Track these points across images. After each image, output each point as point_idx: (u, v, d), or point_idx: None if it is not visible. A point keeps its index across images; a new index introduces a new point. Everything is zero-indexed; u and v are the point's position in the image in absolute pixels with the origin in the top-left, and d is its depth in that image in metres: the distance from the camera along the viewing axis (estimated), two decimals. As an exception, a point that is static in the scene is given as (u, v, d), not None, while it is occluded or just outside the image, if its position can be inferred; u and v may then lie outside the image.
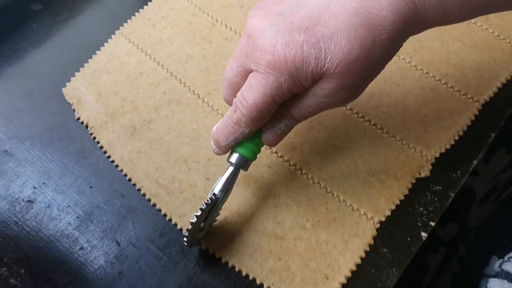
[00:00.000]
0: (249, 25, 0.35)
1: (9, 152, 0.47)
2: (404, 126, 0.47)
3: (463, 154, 0.45)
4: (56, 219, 0.44)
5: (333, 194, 0.44)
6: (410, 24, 0.33)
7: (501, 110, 0.47)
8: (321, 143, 0.47)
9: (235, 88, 0.36)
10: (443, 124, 0.47)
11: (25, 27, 0.57)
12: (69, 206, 0.44)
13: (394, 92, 0.49)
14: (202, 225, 0.39)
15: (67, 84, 0.52)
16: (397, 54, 0.47)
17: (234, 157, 0.38)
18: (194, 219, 0.37)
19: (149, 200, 0.45)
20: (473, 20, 0.54)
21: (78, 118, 0.50)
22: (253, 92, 0.33)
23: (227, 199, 0.40)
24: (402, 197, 0.44)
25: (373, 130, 0.47)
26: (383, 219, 0.43)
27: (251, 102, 0.34)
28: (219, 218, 0.42)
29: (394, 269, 0.40)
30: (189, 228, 0.37)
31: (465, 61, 0.51)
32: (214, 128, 0.38)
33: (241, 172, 0.40)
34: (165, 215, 0.44)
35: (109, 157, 0.47)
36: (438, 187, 0.44)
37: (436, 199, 0.43)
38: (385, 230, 0.42)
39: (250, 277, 0.41)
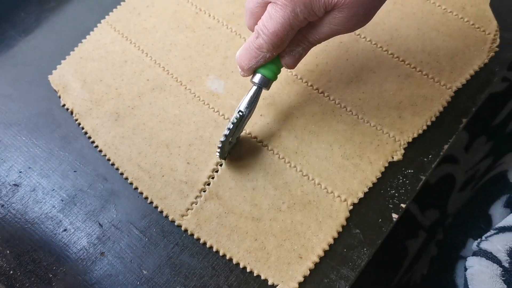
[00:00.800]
0: None
1: (-4, 138, 0.49)
2: (379, 111, 0.49)
3: (435, 139, 0.47)
4: (41, 202, 0.45)
5: (308, 177, 0.46)
6: None
7: (473, 97, 0.49)
8: (298, 128, 0.48)
9: (256, 17, 0.40)
10: (417, 110, 0.48)
11: (13, 16, 0.58)
12: (53, 189, 0.46)
13: (370, 79, 0.51)
14: (230, 139, 0.43)
15: (53, 71, 0.54)
16: (374, 42, 0.49)
17: (257, 78, 0.43)
18: (226, 132, 0.42)
19: (131, 183, 0.46)
20: (449, 9, 0.55)
21: (64, 105, 0.51)
22: (273, 21, 0.37)
23: (251, 116, 0.45)
24: (375, 180, 0.45)
25: (349, 116, 0.49)
26: (356, 201, 0.44)
27: (272, 30, 0.37)
28: (200, 200, 0.44)
29: (365, 249, 0.42)
30: (221, 142, 0.42)
31: (440, 49, 0.52)
32: (237, 53, 0.42)
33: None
34: (146, 198, 0.45)
35: (93, 142, 0.49)
36: (410, 171, 0.45)
37: (407, 182, 0.45)
38: (357, 212, 0.44)
39: (227, 257, 0.42)
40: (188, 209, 0.44)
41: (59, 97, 0.52)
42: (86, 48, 0.55)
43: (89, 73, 0.53)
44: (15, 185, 0.46)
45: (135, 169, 0.47)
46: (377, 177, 0.45)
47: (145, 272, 0.42)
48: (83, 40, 0.56)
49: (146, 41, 0.55)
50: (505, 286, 0.40)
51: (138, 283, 0.41)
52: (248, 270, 0.42)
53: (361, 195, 0.44)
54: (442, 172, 0.72)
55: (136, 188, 0.46)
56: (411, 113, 0.48)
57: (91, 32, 0.56)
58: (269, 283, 0.41)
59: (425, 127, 0.48)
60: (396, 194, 0.44)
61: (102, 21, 0.57)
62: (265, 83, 0.43)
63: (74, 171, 0.47)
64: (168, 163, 0.47)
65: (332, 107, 0.49)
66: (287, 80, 0.51)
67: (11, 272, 0.42)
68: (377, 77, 0.51)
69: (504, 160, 0.61)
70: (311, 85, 0.51)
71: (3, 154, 0.47)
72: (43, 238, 0.43)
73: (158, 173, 0.46)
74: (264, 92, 0.46)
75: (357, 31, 0.54)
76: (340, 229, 0.43)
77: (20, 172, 0.47)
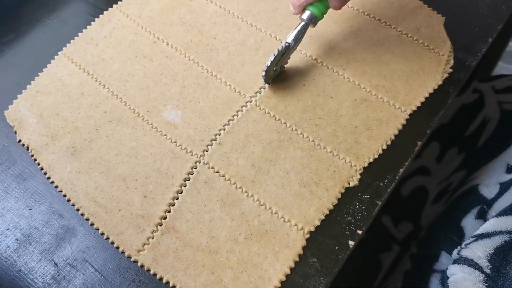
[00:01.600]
0: None
1: (-50, 177, 0.48)
2: (335, 137, 0.49)
3: (391, 162, 0.47)
4: (-6, 243, 0.44)
5: (266, 206, 0.45)
6: None
7: (427, 119, 0.49)
8: (255, 156, 0.48)
9: None
10: (372, 134, 0.49)
11: (-29, 50, 0.57)
12: (8, 229, 0.45)
13: (327, 104, 0.51)
14: (275, 67, 0.50)
15: (10, 106, 0.53)
16: (330, 66, 0.50)
17: (306, 14, 0.48)
18: (272, 58, 0.48)
19: (87, 219, 0.46)
20: (404, 31, 0.56)
21: (19, 140, 0.51)
22: None
23: (295, 49, 0.51)
24: (332, 207, 0.45)
25: (306, 142, 0.49)
26: (312, 229, 0.44)
27: None
28: (160, 229, 0.44)
29: (322, 278, 0.42)
30: (266, 67, 0.48)
31: (395, 71, 0.53)
32: None
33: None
34: (102, 233, 0.45)
35: (49, 178, 0.48)
36: (366, 196, 0.45)
37: (363, 207, 0.45)
38: (314, 240, 0.44)
39: (184, 292, 0.42)
40: (145, 244, 0.44)
41: (15, 132, 0.51)
42: (42, 81, 0.55)
43: (45, 107, 0.52)
44: (-32, 226, 0.45)
45: (91, 204, 0.46)
46: (334, 203, 0.45)
47: (100, 311, 0.41)
48: (40, 73, 0.55)
49: (103, 72, 0.55)
50: None
51: (93, 323, 0.41)
52: (205, 304, 0.42)
53: (317, 222, 0.44)
54: (414, 184, 0.72)
55: (92, 224, 0.45)
56: (367, 138, 0.49)
57: (48, 65, 0.56)
58: (226, 317, 0.41)
59: (380, 151, 0.48)
60: (353, 221, 0.44)
61: (59, 53, 0.57)
62: (312, 20, 0.48)
63: (30, 209, 0.46)
64: (125, 197, 0.46)
65: (289, 134, 0.49)
66: (245, 107, 0.51)
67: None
68: (334, 102, 0.51)
69: (476, 175, 0.62)
70: (268, 112, 0.51)
71: (-45, 195, 0.47)
72: (-4, 280, 0.42)
73: (114, 208, 0.46)
74: (223, 119, 0.49)
75: (314, 55, 0.54)
76: (297, 259, 0.43)
77: (-26, 212, 0.46)
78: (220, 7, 0.59)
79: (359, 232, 0.44)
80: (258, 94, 0.52)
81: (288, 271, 0.42)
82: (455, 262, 0.46)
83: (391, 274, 0.65)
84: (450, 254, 0.57)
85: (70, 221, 0.46)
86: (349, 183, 0.46)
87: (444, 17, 0.56)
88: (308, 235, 0.44)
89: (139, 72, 0.55)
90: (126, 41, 0.57)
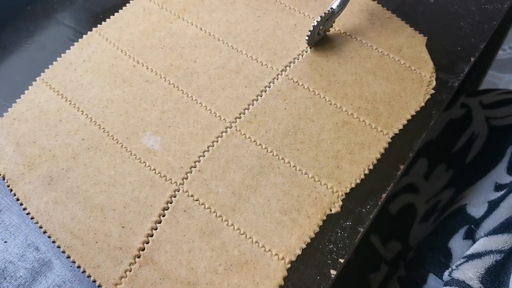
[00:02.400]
0: None
1: None
2: (316, 162, 0.48)
3: (373, 187, 0.46)
4: (-33, 278, 0.43)
5: (246, 235, 0.45)
6: None
7: (410, 142, 0.49)
8: (236, 183, 0.47)
9: None
10: (354, 158, 0.48)
11: None
12: (-19, 263, 0.44)
13: (308, 128, 0.50)
14: (318, 31, 0.53)
15: (-15, 135, 0.52)
16: (312, 89, 0.49)
17: None
18: (315, 22, 0.51)
19: (63, 252, 0.45)
20: (386, 52, 0.55)
21: (-5, 170, 0.50)
22: None
23: (341, 13, 0.53)
24: (313, 235, 0.44)
25: (287, 168, 0.48)
26: (293, 259, 0.43)
27: None
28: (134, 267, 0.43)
29: (303, 310, 0.41)
30: (310, 30, 0.52)
31: (377, 93, 0.52)
32: None
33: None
34: (79, 267, 0.44)
35: (25, 209, 0.47)
36: (348, 223, 0.45)
37: (345, 235, 0.44)
38: (295, 270, 0.43)
39: (162, 327, 0.41)
40: (122, 277, 0.43)
41: (-9, 162, 0.50)
42: (19, 108, 0.54)
43: (22, 135, 0.51)
44: None
45: (67, 236, 0.45)
46: (315, 231, 0.44)
47: None
48: (17, 100, 0.54)
49: (82, 98, 0.54)
50: None
51: None
52: None
53: (298, 252, 0.43)
54: (403, 201, 0.71)
55: (68, 257, 0.44)
56: (348, 162, 0.48)
57: (26, 91, 0.55)
58: None
59: (362, 176, 0.47)
60: (334, 249, 0.43)
61: (37, 78, 0.56)
62: None
63: (5, 242, 0.45)
64: (102, 228, 0.45)
65: (270, 159, 0.48)
66: (225, 133, 0.50)
67: None
68: (315, 126, 0.50)
69: (465, 194, 0.61)
70: (249, 137, 0.50)
71: None
72: (-33, 319, 0.41)
73: (91, 240, 0.45)
74: (203, 145, 0.49)
75: (295, 78, 0.54)
76: (278, 290, 0.42)
77: None
78: (201, 29, 0.59)
79: (341, 260, 0.43)
80: (238, 119, 0.51)
81: (269, 303, 0.41)
82: (446, 284, 0.45)
83: (380, 296, 0.64)
84: (438, 276, 0.56)
85: (46, 254, 0.45)
86: (330, 210, 0.46)
87: (426, 37, 0.56)
88: (289, 265, 0.43)
89: (118, 98, 0.54)
90: (105, 65, 0.57)
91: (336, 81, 0.54)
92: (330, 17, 0.52)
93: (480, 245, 0.46)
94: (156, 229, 0.45)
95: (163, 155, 0.50)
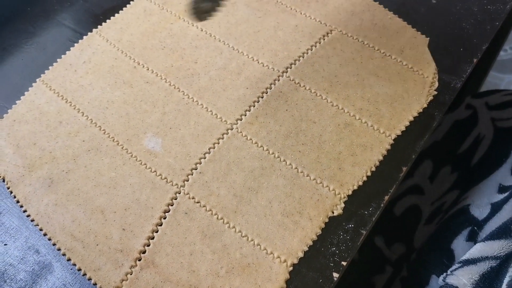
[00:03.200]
0: None
1: None
2: (318, 164, 0.48)
3: (375, 190, 0.46)
4: (-33, 281, 0.43)
5: (248, 238, 0.44)
6: None
7: (412, 143, 0.48)
8: (237, 185, 0.47)
9: None
10: (357, 160, 0.48)
11: None
12: (-19, 266, 0.44)
13: (310, 129, 0.50)
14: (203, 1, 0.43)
15: (-15, 137, 0.52)
16: (314, 90, 0.48)
17: None
18: None
19: (64, 254, 0.44)
20: (388, 53, 0.55)
21: (-5, 172, 0.49)
22: None
23: None
24: (315, 238, 0.44)
25: (289, 170, 0.48)
26: (296, 261, 0.43)
27: None
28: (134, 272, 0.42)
29: (305, 313, 0.41)
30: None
31: (379, 95, 0.52)
32: None
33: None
34: (79, 269, 0.44)
35: (25, 211, 0.47)
36: (350, 225, 0.44)
37: (348, 237, 0.44)
38: (298, 273, 0.42)
39: (163, 330, 0.41)
40: (123, 280, 0.43)
41: (-9, 164, 0.50)
42: (20, 110, 0.53)
43: (22, 137, 0.51)
44: None
45: (68, 239, 0.45)
46: (317, 234, 0.44)
47: None
48: (17, 101, 0.54)
49: (82, 100, 0.54)
50: None
51: None
52: None
53: (301, 254, 0.43)
54: (407, 203, 0.71)
55: (69, 260, 0.44)
56: (351, 164, 0.47)
57: (26, 93, 0.55)
58: None
59: (365, 178, 0.47)
60: (337, 251, 0.43)
61: (37, 80, 0.56)
62: None
63: (5, 245, 0.45)
64: (103, 230, 0.45)
65: (272, 161, 0.48)
66: (226, 135, 0.50)
67: None
68: (317, 127, 0.50)
69: (468, 195, 0.61)
70: (250, 139, 0.50)
71: None
72: (-33, 322, 0.41)
73: (92, 242, 0.44)
74: (204, 147, 0.48)
75: (297, 79, 0.53)
76: (280, 293, 0.41)
77: None
78: (202, 30, 0.59)
79: (344, 263, 0.42)
80: (239, 121, 0.51)
81: (271, 307, 0.41)
82: None
83: (384, 297, 0.64)
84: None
85: (46, 256, 0.44)
86: (333, 212, 0.45)
87: (428, 38, 0.56)
88: (291, 268, 0.43)
89: (118, 99, 0.54)
90: (105, 66, 0.56)
91: (338, 82, 0.53)
92: None
93: (476, 250, 0.46)
94: (157, 232, 0.45)
95: (164, 157, 0.49)
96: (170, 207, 0.46)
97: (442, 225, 0.62)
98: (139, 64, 0.56)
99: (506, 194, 0.53)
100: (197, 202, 0.46)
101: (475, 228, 0.55)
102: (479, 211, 0.56)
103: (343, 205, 0.45)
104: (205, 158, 0.49)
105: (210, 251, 0.44)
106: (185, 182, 0.47)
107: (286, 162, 0.48)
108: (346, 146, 0.49)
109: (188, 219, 0.46)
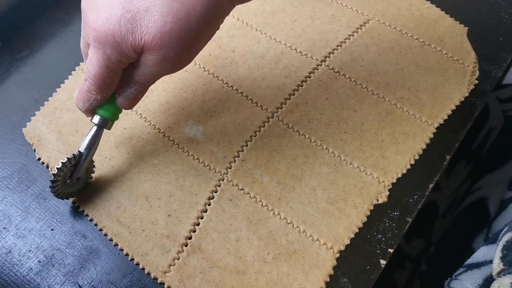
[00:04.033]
0: (82, 1, 0.37)
1: (-31, 198, 0.47)
2: (361, 152, 0.48)
3: (419, 178, 0.46)
4: (17, 265, 0.43)
5: (293, 225, 0.44)
6: None
7: (455, 132, 0.48)
8: (280, 173, 0.47)
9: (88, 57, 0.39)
10: (399, 148, 0.48)
11: (-15, 66, 0.57)
12: (30, 250, 0.44)
13: (351, 118, 0.50)
14: (69, 180, 0.44)
15: (27, 124, 0.52)
16: (353, 79, 0.48)
17: (96, 119, 0.43)
18: (55, 171, 0.41)
19: (111, 240, 0.45)
20: (427, 42, 0.55)
21: (39, 159, 0.50)
22: (92, 64, 0.37)
23: (92, 157, 0.45)
24: (361, 225, 0.44)
25: (331, 158, 0.48)
26: (342, 248, 0.43)
27: (93, 73, 0.37)
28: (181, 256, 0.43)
29: (354, 299, 0.41)
30: (50, 182, 0.42)
31: (419, 84, 0.52)
32: (75, 95, 0.42)
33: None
34: (127, 254, 0.44)
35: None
36: (395, 213, 0.44)
37: (394, 225, 0.44)
38: (345, 260, 0.43)
39: (213, 315, 0.41)
40: (171, 265, 0.43)
41: (34, 150, 0.50)
42: (60, 97, 0.54)
43: (64, 124, 0.52)
44: (-11, 248, 0.44)
45: (114, 224, 0.45)
46: (363, 221, 0.44)
47: (127, 336, 0.40)
48: (57, 89, 0.55)
49: (122, 88, 0.54)
50: None
51: None
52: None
53: (347, 241, 0.43)
54: (425, 200, 0.71)
55: (116, 245, 0.44)
56: (394, 152, 0.47)
57: (65, 81, 0.55)
58: None
59: (408, 166, 0.47)
60: (383, 239, 0.43)
61: (76, 68, 0.56)
62: (104, 124, 0.43)
63: (52, 230, 0.45)
64: (148, 216, 0.45)
65: (314, 149, 0.48)
66: (267, 123, 0.50)
67: None
68: (358, 116, 0.50)
69: (482, 184, 0.60)
70: (292, 127, 0.50)
71: (-24, 216, 0.46)
72: (19, 305, 0.41)
73: (138, 228, 0.45)
74: (245, 135, 0.49)
75: (336, 68, 0.53)
76: (328, 279, 0.42)
77: (-5, 234, 0.45)
78: (238, 19, 0.59)
79: (391, 250, 0.43)
80: (279, 109, 0.51)
81: (319, 292, 0.41)
82: None
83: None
84: None
85: (93, 241, 0.45)
86: (377, 200, 0.45)
87: (467, 27, 0.55)
88: (338, 254, 0.43)
89: (158, 87, 0.54)
90: (144, 55, 0.56)
91: (377, 71, 0.53)
92: (78, 162, 0.43)
93: (479, 254, 0.45)
94: (202, 218, 0.45)
95: (206, 144, 0.50)
96: (214, 194, 0.46)
97: (459, 218, 0.61)
98: (177, 53, 0.56)
99: None
100: (241, 189, 0.47)
101: (489, 227, 0.55)
102: (494, 208, 0.56)
103: (387, 193, 0.46)
104: (247, 146, 0.49)
105: (256, 238, 0.44)
106: (228, 169, 0.48)
107: (328, 150, 0.48)
108: (388, 135, 0.49)
109: (232, 206, 0.46)
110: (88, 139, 0.43)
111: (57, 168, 0.41)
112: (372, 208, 0.45)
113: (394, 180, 0.46)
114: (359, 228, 0.44)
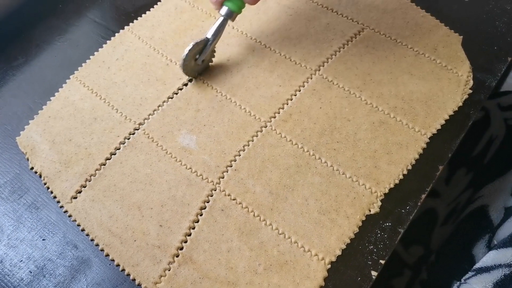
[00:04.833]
0: None
1: (-38, 207, 0.47)
2: (354, 162, 0.48)
3: (412, 188, 0.46)
4: (8, 275, 0.43)
5: (285, 235, 0.44)
6: None
7: (448, 142, 0.48)
8: (273, 183, 0.47)
9: None
10: (392, 158, 0.48)
11: (-20, 74, 0.57)
12: (21, 260, 0.44)
13: (344, 127, 0.50)
14: (196, 58, 0.52)
15: (21, 132, 0.52)
16: (347, 88, 0.48)
17: (224, 10, 0.50)
18: (187, 51, 0.50)
19: (102, 250, 0.45)
20: (421, 51, 0.55)
21: (32, 168, 0.50)
22: None
23: (216, 43, 0.52)
24: (353, 236, 0.44)
25: (324, 167, 0.48)
26: (334, 259, 0.43)
27: None
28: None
29: (345, 311, 0.41)
30: (181, 60, 0.51)
31: (413, 93, 0.52)
32: None
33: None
34: (118, 265, 0.44)
35: (62, 207, 0.47)
36: (387, 224, 0.44)
37: (385, 236, 0.44)
38: (336, 271, 0.42)
39: (203, 326, 0.41)
40: (162, 276, 0.43)
41: (27, 159, 0.50)
42: (54, 106, 0.54)
43: (57, 133, 0.52)
44: (-20, 258, 0.44)
45: (106, 234, 0.45)
46: (355, 232, 0.44)
47: None
48: (51, 98, 0.55)
49: (116, 96, 0.54)
50: None
51: None
52: None
53: (338, 252, 0.43)
54: (423, 207, 0.70)
55: (107, 255, 0.44)
56: (386, 162, 0.47)
57: (60, 89, 0.55)
58: None
59: (401, 177, 0.47)
60: (375, 250, 0.43)
61: (71, 76, 0.56)
62: (230, 15, 0.50)
63: (43, 240, 0.45)
64: (140, 226, 0.45)
65: (307, 159, 0.48)
66: (260, 132, 0.50)
67: None
68: (351, 125, 0.50)
69: (483, 193, 0.60)
70: (285, 136, 0.50)
71: (-32, 226, 0.46)
72: (10, 316, 0.41)
73: (130, 238, 0.45)
74: (238, 144, 0.48)
75: (330, 77, 0.53)
76: (319, 291, 0.41)
77: (-14, 244, 0.45)
78: (233, 28, 0.59)
79: (382, 262, 0.42)
80: (273, 118, 0.51)
81: (310, 304, 0.41)
82: None
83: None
84: None
85: (84, 252, 0.45)
86: (369, 210, 0.45)
87: (462, 36, 0.55)
88: (329, 266, 0.43)
89: (152, 96, 0.54)
90: (138, 63, 0.57)
91: (371, 80, 0.53)
92: (205, 46, 0.51)
93: (489, 258, 0.45)
94: (194, 228, 0.45)
95: (199, 154, 0.49)
96: (206, 204, 0.46)
97: (460, 226, 0.61)
98: (171, 61, 0.57)
99: None
100: (233, 199, 0.47)
101: (492, 234, 0.55)
102: (496, 215, 0.56)
103: (380, 203, 0.45)
104: (239, 155, 0.49)
105: (248, 248, 0.44)
106: (221, 179, 0.48)
107: (321, 160, 0.48)
108: (381, 145, 0.49)
109: (224, 216, 0.46)
110: (215, 28, 0.50)
111: (188, 49, 0.49)
112: (364, 218, 0.45)
113: (387, 191, 0.46)
114: (351, 239, 0.44)
